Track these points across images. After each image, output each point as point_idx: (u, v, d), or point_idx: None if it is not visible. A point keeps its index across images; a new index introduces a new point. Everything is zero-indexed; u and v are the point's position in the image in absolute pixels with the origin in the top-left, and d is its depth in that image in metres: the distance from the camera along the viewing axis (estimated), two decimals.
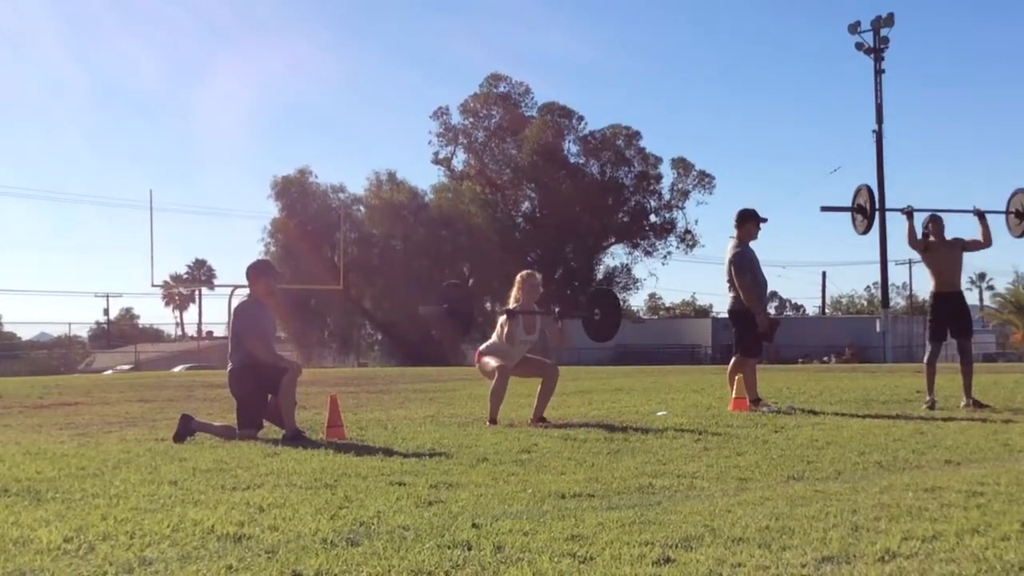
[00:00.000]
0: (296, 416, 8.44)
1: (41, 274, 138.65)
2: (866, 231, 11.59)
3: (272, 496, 5.21)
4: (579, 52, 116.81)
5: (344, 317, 63.35)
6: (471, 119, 67.44)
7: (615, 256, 69.84)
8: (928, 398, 10.62)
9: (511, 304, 9.60)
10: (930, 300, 10.92)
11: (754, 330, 10.83)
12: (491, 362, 9.48)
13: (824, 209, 12.29)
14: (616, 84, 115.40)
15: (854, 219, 11.54)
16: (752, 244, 11.04)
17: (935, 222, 11.06)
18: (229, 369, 8.73)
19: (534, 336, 9.73)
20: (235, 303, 8.82)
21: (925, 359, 11.01)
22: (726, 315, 11.50)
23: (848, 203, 11.76)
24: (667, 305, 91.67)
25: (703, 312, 79.27)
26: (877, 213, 11.71)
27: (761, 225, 11.07)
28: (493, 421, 9.25)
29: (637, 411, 10.78)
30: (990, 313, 59.86)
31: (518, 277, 9.80)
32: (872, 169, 48.10)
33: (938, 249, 10.95)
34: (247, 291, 9.11)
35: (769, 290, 12.02)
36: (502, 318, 9.48)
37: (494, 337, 9.62)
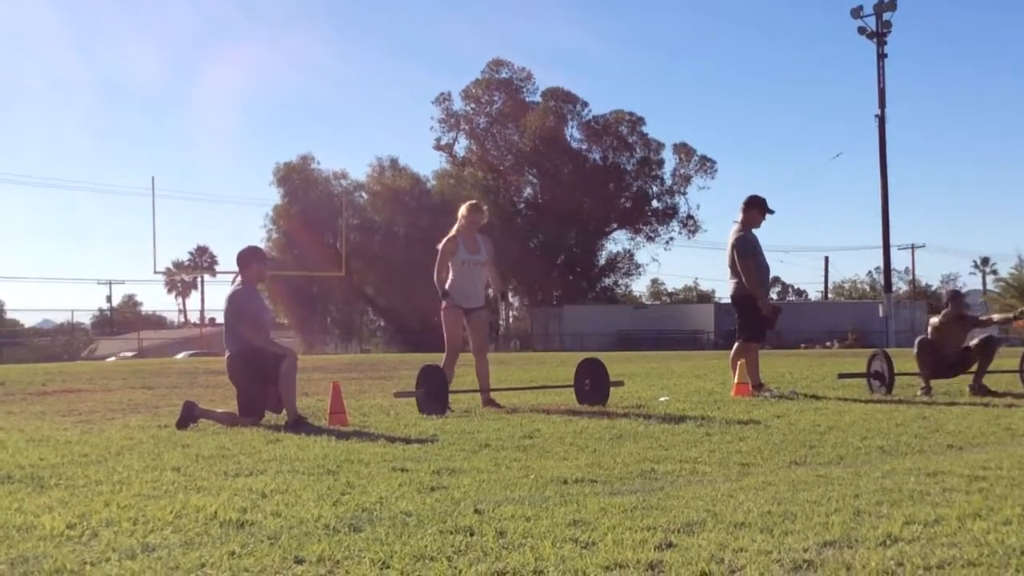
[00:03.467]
0: (298, 403, 8.44)
1: (44, 262, 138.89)
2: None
3: (274, 482, 5.22)
4: (580, 38, 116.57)
5: (346, 304, 63.37)
6: (473, 105, 67.38)
7: (617, 242, 69.96)
8: (924, 384, 10.61)
9: (453, 232, 9.99)
10: (930, 333, 10.88)
11: (757, 315, 10.82)
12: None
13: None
14: (618, 70, 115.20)
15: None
16: (754, 230, 11.02)
17: (956, 301, 10.97)
18: (226, 356, 8.73)
19: (479, 255, 10.04)
20: (227, 290, 8.81)
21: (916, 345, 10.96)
22: (728, 301, 11.49)
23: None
24: (669, 291, 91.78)
25: (705, 297, 79.29)
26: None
27: (767, 216, 11.03)
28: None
29: (639, 397, 10.78)
30: (993, 298, 59.75)
31: (463, 206, 10.32)
32: (875, 154, 48.03)
33: (949, 329, 10.85)
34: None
35: (772, 275, 12.00)
36: (441, 245, 9.94)
37: (447, 276, 9.97)
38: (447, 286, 9.90)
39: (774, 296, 72.34)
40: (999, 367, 10.99)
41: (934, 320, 10.95)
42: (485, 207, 10.39)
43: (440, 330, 10.00)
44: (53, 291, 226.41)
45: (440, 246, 9.99)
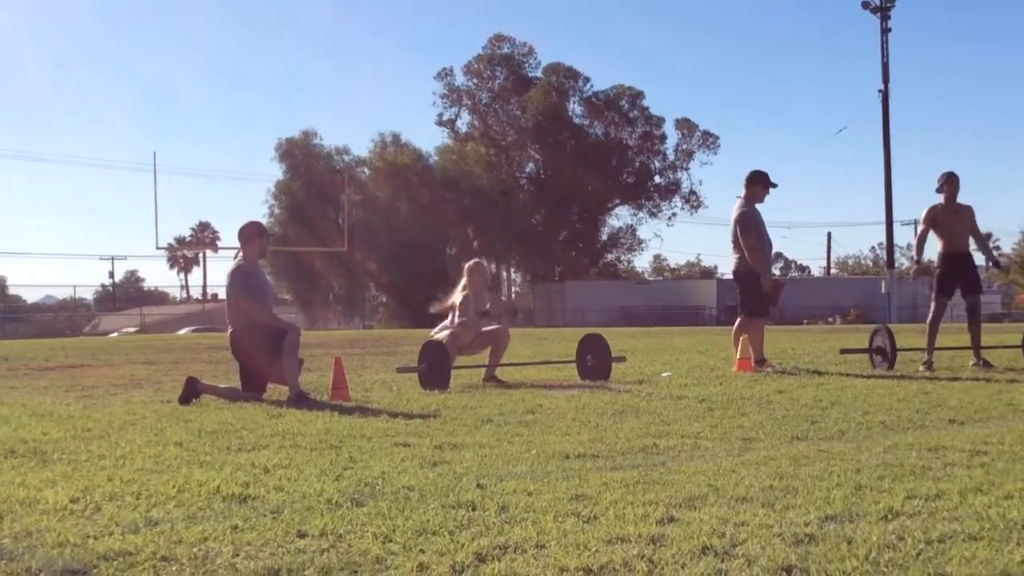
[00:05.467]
0: (301, 378, 8.46)
1: (46, 238, 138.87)
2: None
3: (277, 457, 5.23)
4: (583, 10, 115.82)
5: (348, 279, 63.40)
6: (475, 80, 67.16)
7: (619, 217, 69.88)
8: (927, 358, 10.61)
9: (460, 290, 10.14)
10: (938, 260, 10.86)
11: (759, 291, 10.80)
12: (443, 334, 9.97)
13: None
14: (619, 44, 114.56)
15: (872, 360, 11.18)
16: (757, 205, 10.99)
17: (951, 183, 10.91)
18: (229, 332, 8.74)
19: (486, 319, 10.19)
20: (229, 266, 8.82)
21: (928, 318, 10.97)
22: (731, 276, 11.47)
23: None
24: (672, 266, 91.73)
25: (708, 273, 79.26)
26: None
27: (770, 190, 11.00)
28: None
29: (641, 372, 10.79)
30: (995, 273, 59.75)
31: (466, 267, 10.46)
32: (878, 129, 47.90)
33: (947, 219, 10.83)
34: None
35: (774, 251, 11.98)
36: (458, 308, 10.02)
37: (448, 322, 10.08)
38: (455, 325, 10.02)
39: (776, 272, 72.33)
40: (1002, 343, 10.99)
41: (927, 213, 10.84)
42: (485, 263, 10.78)
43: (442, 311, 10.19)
44: (56, 267, 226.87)
45: (457, 303, 10.07)
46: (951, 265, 10.81)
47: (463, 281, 10.28)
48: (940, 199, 10.89)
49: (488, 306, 10.26)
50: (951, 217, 10.85)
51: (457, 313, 9.99)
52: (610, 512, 3.81)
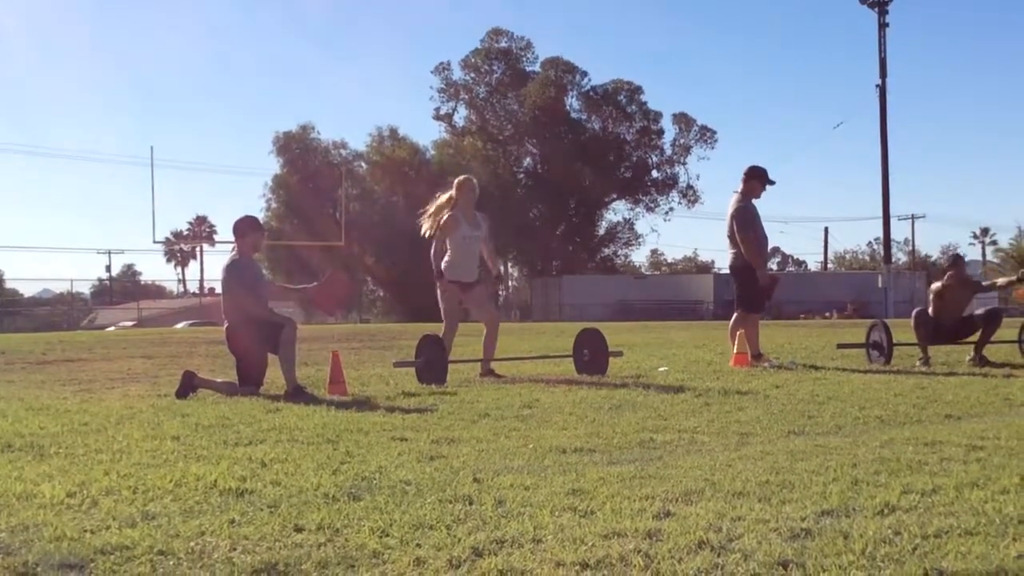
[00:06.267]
0: (297, 372, 8.45)
1: (43, 231, 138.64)
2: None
3: (274, 451, 5.23)
4: (581, 5, 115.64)
5: (346, 273, 63.26)
6: (472, 75, 67.04)
7: (617, 212, 69.80)
8: (922, 355, 10.61)
9: (445, 208, 9.93)
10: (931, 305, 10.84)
11: (755, 286, 10.81)
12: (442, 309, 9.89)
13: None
14: (618, 39, 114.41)
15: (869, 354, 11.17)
16: (754, 201, 10.98)
17: (958, 266, 10.94)
18: (225, 327, 8.73)
19: (480, 231, 10.02)
20: (224, 260, 8.81)
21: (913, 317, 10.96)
22: (727, 271, 11.47)
23: None
24: (669, 261, 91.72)
25: (705, 268, 79.19)
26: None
27: (767, 187, 11.00)
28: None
29: (638, 367, 10.80)
30: (992, 268, 59.74)
31: (455, 181, 10.20)
32: (875, 124, 47.88)
33: (951, 293, 10.82)
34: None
35: (771, 246, 11.97)
36: (444, 218, 9.86)
37: (446, 251, 9.88)
38: (445, 261, 9.83)
39: (773, 267, 72.34)
40: (1000, 337, 11.00)
41: (936, 286, 10.92)
42: (475, 180, 10.34)
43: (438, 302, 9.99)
44: (52, 261, 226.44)
45: (442, 222, 9.87)
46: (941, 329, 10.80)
47: (450, 194, 10.02)
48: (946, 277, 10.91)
49: (496, 275, 10.30)
50: (956, 290, 10.84)
51: (440, 235, 9.80)
52: (607, 507, 3.82)
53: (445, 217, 9.89)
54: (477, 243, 10.01)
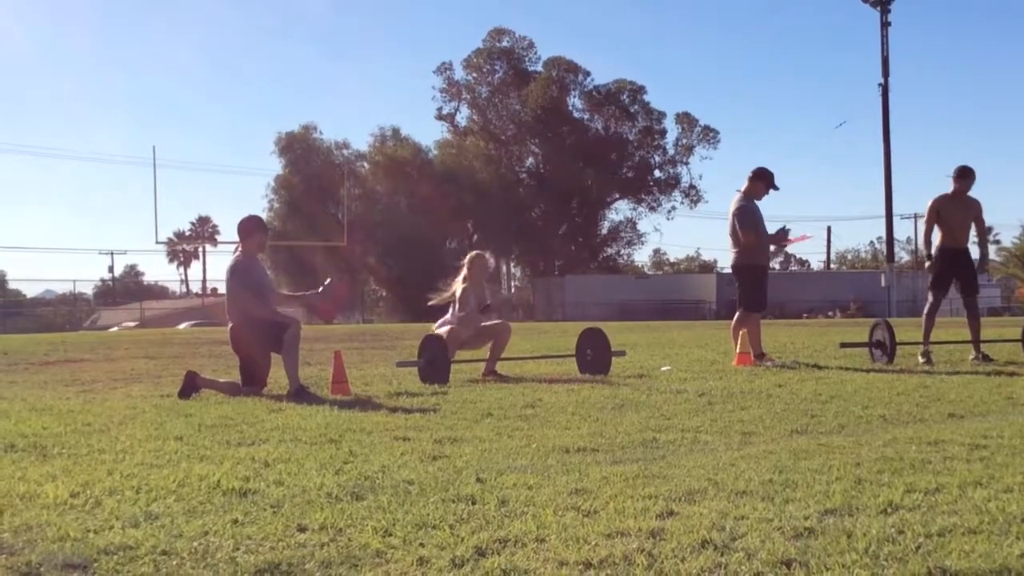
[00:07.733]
0: (300, 372, 8.46)
1: (46, 232, 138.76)
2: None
3: (277, 451, 5.23)
4: (584, 4, 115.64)
5: (348, 274, 63.32)
6: (474, 74, 67.05)
7: (619, 212, 69.82)
8: (924, 348, 10.61)
9: (460, 281, 10.05)
10: (936, 253, 10.86)
11: (758, 285, 10.81)
12: (443, 329, 9.91)
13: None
14: (620, 39, 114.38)
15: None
16: (756, 201, 10.97)
17: (966, 177, 10.92)
18: (230, 327, 8.74)
19: (487, 314, 10.13)
20: (228, 261, 8.82)
21: (925, 309, 11.01)
22: (730, 271, 11.46)
23: None
24: (671, 260, 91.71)
25: (707, 267, 79.20)
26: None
27: (771, 191, 10.99)
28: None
29: (641, 366, 10.79)
30: (995, 267, 59.72)
31: (467, 259, 10.34)
32: (878, 123, 47.87)
33: (952, 210, 10.84)
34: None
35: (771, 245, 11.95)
36: (458, 291, 9.98)
37: (449, 316, 10.01)
38: (458, 317, 9.92)
39: (775, 267, 72.33)
40: (1002, 336, 10.99)
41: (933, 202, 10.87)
42: (488, 255, 10.56)
43: (441, 305, 10.10)
44: (55, 261, 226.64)
45: (457, 294, 10.01)
46: (949, 262, 10.80)
47: (463, 272, 10.17)
48: (948, 189, 10.90)
49: (490, 302, 10.21)
50: (956, 209, 10.85)
51: (457, 307, 9.94)
52: (610, 506, 3.82)
53: (459, 291, 10.01)
54: (483, 316, 10.13)
